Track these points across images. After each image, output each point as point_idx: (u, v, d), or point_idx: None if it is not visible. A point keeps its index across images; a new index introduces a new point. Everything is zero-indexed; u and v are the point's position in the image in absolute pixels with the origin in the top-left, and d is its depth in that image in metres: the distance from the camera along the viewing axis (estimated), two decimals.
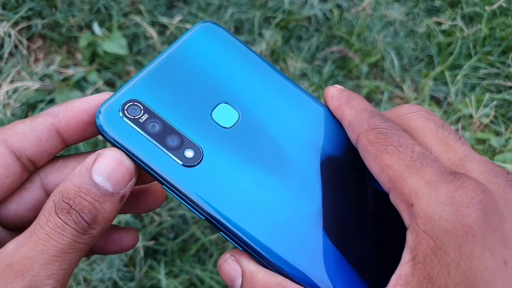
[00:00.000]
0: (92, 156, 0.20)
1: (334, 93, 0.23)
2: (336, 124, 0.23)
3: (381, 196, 0.22)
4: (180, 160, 0.20)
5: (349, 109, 0.22)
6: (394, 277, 0.17)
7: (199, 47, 0.23)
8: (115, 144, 0.20)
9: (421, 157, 0.18)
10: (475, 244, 0.16)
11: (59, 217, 0.18)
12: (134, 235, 0.26)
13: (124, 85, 0.21)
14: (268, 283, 0.19)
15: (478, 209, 0.16)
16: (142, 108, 0.21)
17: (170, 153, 0.20)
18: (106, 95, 0.22)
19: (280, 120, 0.23)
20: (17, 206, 0.22)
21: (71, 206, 0.18)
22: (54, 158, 0.23)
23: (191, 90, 0.22)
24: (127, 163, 0.20)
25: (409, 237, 0.17)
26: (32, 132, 0.21)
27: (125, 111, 0.21)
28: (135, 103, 0.21)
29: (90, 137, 0.22)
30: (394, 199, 0.19)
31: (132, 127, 0.20)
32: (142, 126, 0.21)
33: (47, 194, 0.23)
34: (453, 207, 0.16)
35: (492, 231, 0.16)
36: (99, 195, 0.19)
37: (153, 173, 0.20)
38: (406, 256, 0.17)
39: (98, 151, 0.20)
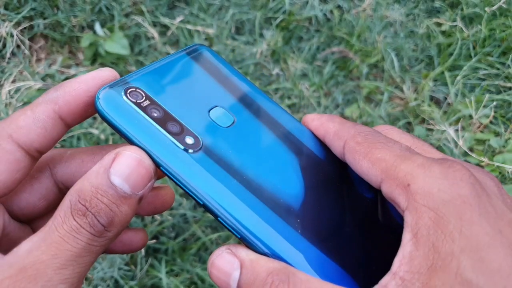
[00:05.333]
0: (111, 155, 0.19)
1: (314, 116, 0.25)
2: (316, 139, 0.25)
3: (369, 201, 0.24)
4: (181, 145, 0.20)
5: (332, 123, 0.24)
6: (397, 259, 0.17)
7: (194, 64, 0.24)
8: (115, 126, 0.20)
9: (409, 149, 0.20)
10: (473, 212, 0.17)
11: (74, 219, 0.18)
12: (144, 236, 0.25)
13: (124, 76, 0.22)
14: (272, 267, 0.19)
15: (469, 183, 0.18)
16: (144, 95, 0.21)
17: (172, 137, 0.20)
18: (102, 71, 0.21)
19: (268, 131, 0.24)
20: (29, 195, 0.22)
21: (87, 208, 0.18)
22: (63, 149, 0.24)
23: (188, 92, 0.23)
24: (147, 163, 0.19)
25: (408, 217, 0.18)
26: (37, 124, 0.20)
27: (128, 94, 0.20)
28: (137, 89, 0.21)
29: (92, 115, 0.22)
30: (388, 187, 0.19)
31: (134, 109, 0.20)
32: (144, 109, 0.20)
33: (56, 184, 0.23)
34: (449, 181, 0.18)
35: (484, 203, 0.17)
36: (117, 197, 0.18)
37: (154, 156, 0.20)
38: (407, 236, 0.17)
39: (117, 149, 0.19)
